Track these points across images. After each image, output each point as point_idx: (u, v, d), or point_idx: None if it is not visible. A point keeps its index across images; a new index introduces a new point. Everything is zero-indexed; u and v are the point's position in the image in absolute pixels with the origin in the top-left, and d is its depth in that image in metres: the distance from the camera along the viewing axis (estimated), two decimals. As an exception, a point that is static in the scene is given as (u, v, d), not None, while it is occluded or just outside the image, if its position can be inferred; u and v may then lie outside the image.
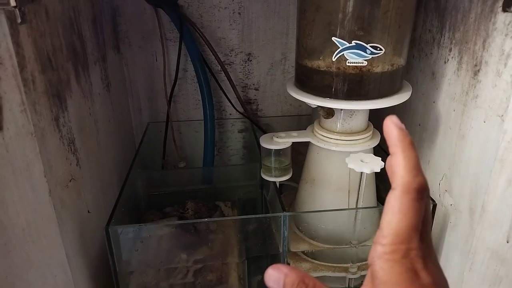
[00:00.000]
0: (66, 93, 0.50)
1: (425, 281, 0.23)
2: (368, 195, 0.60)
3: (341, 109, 0.55)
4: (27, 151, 0.38)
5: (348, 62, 0.49)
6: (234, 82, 0.83)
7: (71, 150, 0.50)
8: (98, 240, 0.57)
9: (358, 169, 0.51)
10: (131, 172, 0.65)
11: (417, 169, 0.25)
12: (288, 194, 0.72)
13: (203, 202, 0.72)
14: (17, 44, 0.37)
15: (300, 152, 0.67)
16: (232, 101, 0.85)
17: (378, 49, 0.48)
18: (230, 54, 0.84)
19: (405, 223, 0.24)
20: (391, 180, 0.26)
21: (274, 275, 0.28)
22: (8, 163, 0.35)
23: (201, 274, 0.57)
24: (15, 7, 0.35)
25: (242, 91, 0.87)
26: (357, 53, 0.48)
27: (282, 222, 0.54)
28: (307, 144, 0.62)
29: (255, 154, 0.86)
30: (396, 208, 0.24)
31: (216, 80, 0.82)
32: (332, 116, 0.54)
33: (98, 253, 0.56)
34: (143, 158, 0.76)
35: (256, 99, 0.89)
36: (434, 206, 0.57)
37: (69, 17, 0.52)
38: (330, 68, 0.51)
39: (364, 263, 0.60)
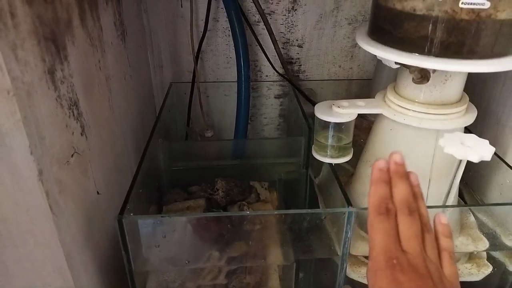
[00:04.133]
0: (66, 38, 0.37)
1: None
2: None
3: (434, 70, 0.40)
4: (3, 118, 0.26)
5: (462, 3, 0.34)
6: (274, 36, 0.68)
7: (73, 114, 0.37)
8: (110, 227, 0.46)
9: (460, 155, 0.37)
10: (150, 142, 0.53)
11: (383, 199, 0.30)
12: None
13: (236, 181, 0.60)
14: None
15: (354, 125, 0.52)
16: (270, 59, 0.70)
17: (511, -17, 0.33)
18: (271, 2, 0.68)
19: (378, 240, 0.29)
20: None
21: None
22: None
23: (236, 276, 0.46)
24: None
25: (283, 48, 0.72)
26: (479, -12, 0.33)
27: (346, 220, 0.41)
28: (363, 116, 0.48)
29: (294, 125, 0.72)
30: (370, 228, 0.30)
31: (254, 33, 0.68)
32: (428, 80, 0.39)
33: (109, 244, 0.45)
34: (164, 125, 0.63)
35: (298, 59, 0.74)
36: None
37: None
38: (432, 11, 0.36)
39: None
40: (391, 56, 0.39)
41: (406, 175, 0.32)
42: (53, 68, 0.34)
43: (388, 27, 0.40)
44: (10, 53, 0.27)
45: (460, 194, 0.56)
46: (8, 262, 0.27)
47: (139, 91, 0.64)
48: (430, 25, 0.36)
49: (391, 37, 0.40)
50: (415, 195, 0.32)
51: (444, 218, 0.32)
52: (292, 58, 0.74)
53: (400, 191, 0.31)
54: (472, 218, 0.52)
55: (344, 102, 0.47)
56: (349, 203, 0.41)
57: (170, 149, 0.61)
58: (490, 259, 0.50)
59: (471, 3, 0.34)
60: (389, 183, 0.31)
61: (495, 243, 0.48)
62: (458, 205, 0.50)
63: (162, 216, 0.40)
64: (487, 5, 0.34)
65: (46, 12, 0.33)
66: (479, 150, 0.37)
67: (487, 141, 0.38)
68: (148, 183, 0.52)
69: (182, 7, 0.67)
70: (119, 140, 0.52)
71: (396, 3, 0.38)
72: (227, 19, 0.65)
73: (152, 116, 0.73)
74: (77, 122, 0.38)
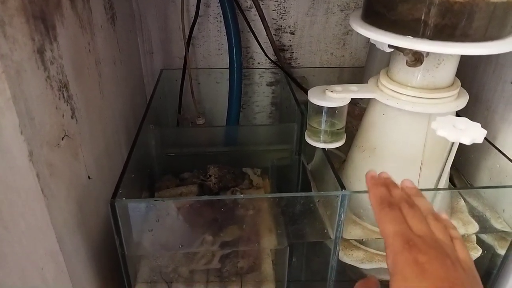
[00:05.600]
0: (55, 18, 0.36)
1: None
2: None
3: (427, 54, 0.40)
4: (-10, 95, 0.25)
5: (456, -15, 0.34)
6: (267, 22, 0.67)
7: (63, 96, 0.37)
8: (102, 212, 0.45)
9: (453, 138, 0.37)
10: (141, 128, 0.52)
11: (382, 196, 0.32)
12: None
13: (228, 167, 0.60)
14: None
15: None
16: (262, 46, 0.70)
17: (506, -36, 0.33)
18: (263, -13, 0.68)
19: (385, 227, 0.30)
20: None
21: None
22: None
23: (229, 260, 0.46)
24: None
25: (275, 35, 0.72)
26: (474, -30, 0.33)
27: (339, 203, 0.41)
28: (355, 103, 0.48)
29: (286, 112, 0.72)
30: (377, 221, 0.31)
31: (246, 19, 0.67)
32: (421, 63, 0.39)
33: (101, 229, 0.45)
34: (155, 112, 0.62)
35: (290, 46, 0.74)
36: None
37: None
38: (426, -7, 0.36)
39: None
40: (385, 39, 0.39)
41: (396, 184, 0.34)
42: (43, 48, 0.33)
43: (382, 10, 0.40)
44: (-1, 30, 0.26)
45: (451, 179, 0.57)
46: (1, 245, 0.27)
47: (129, 77, 0.63)
48: (424, 7, 0.36)
49: (385, 20, 0.40)
50: (415, 194, 0.33)
51: (444, 215, 0.32)
52: (284, 45, 0.73)
53: (397, 191, 0.33)
54: (462, 202, 0.53)
55: (338, 87, 0.47)
56: (342, 187, 0.41)
57: (162, 135, 0.60)
58: (480, 242, 0.50)
59: (465, -15, 0.35)
60: (385, 185, 0.33)
61: (484, 226, 0.49)
62: (449, 188, 0.51)
63: (155, 200, 0.39)
64: (481, -13, 0.35)
65: (35, -10, 0.32)
66: (471, 133, 0.37)
67: (479, 124, 0.38)
68: (140, 168, 0.51)
69: (172, -9, 0.66)
70: (110, 126, 0.51)
71: (391, -15, 0.38)
72: (219, 5, 0.64)
73: (143, 103, 0.72)
74: (67, 105, 0.38)
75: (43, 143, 0.32)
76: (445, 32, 0.37)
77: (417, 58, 0.38)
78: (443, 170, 0.41)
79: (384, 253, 0.28)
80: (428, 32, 0.37)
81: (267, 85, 0.77)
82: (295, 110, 0.59)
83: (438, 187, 0.42)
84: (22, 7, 0.30)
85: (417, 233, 0.29)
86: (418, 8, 0.37)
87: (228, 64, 0.68)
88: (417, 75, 0.43)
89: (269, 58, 0.71)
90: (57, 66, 0.35)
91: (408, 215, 0.30)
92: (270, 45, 0.70)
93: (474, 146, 0.52)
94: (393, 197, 0.32)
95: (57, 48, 0.36)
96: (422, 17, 0.37)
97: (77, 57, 0.40)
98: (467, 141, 0.37)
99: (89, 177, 0.43)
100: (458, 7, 0.36)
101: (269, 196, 0.47)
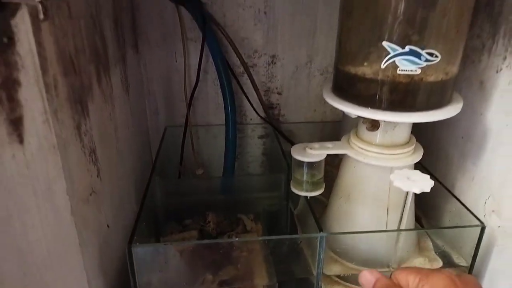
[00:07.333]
0: (88, 98, 0.45)
1: None
2: (408, 215, 0.55)
3: (384, 120, 0.50)
4: (50, 167, 0.34)
5: (399, 70, 0.45)
6: (257, 85, 0.78)
7: (92, 160, 0.45)
8: (116, 257, 0.52)
9: (406, 187, 0.46)
10: (150, 181, 0.61)
11: None
12: (314, 208, 0.68)
13: (225, 214, 0.68)
14: (39, 43, 0.33)
15: (327, 162, 0.62)
16: (253, 105, 0.80)
17: (434, 56, 0.44)
18: (253, 56, 0.79)
19: None
20: None
21: (367, 275, 0.37)
22: (29, 183, 0.31)
23: (227, 296, 0.53)
24: (40, 1, 0.31)
25: (265, 95, 0.83)
26: (411, 60, 0.44)
27: (318, 243, 0.49)
28: (336, 155, 0.57)
29: (275, 162, 0.81)
30: None
31: (239, 83, 0.78)
32: (378, 128, 0.49)
33: (116, 271, 0.52)
34: (160, 163, 0.71)
35: (278, 104, 0.84)
36: (482, 229, 0.52)
37: (91, 15, 0.48)
38: (378, 75, 0.46)
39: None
40: (348, 110, 0.49)
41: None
42: (80, 124, 0.42)
43: (346, 86, 0.50)
44: (54, 117, 0.36)
45: (419, 221, 0.65)
46: (50, 282, 0.34)
47: (138, 135, 0.72)
48: (376, 86, 0.46)
49: (348, 94, 0.50)
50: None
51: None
52: (273, 104, 0.84)
53: None
54: (429, 241, 0.61)
55: (316, 144, 0.56)
56: (321, 229, 0.50)
57: (166, 186, 0.68)
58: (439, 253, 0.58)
59: (406, 70, 0.45)
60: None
61: (447, 262, 0.57)
62: (412, 229, 0.59)
63: (164, 244, 0.47)
64: (418, 71, 0.45)
65: (75, 81, 0.42)
66: (420, 183, 0.46)
67: (428, 176, 0.48)
68: (147, 217, 0.59)
69: (176, 61, 0.77)
70: (123, 180, 0.60)
71: (351, 68, 0.48)
72: (216, 71, 0.75)
73: (148, 156, 0.81)
74: (94, 166, 0.46)
75: (78, 200, 0.40)
76: (395, 104, 0.47)
77: (374, 125, 0.48)
78: (402, 213, 0.49)
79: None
80: (382, 105, 0.47)
81: (258, 138, 0.87)
82: (282, 162, 0.68)
83: (401, 227, 0.50)
84: (68, 97, 0.39)
85: None
86: (372, 87, 0.47)
87: (224, 121, 0.77)
88: (378, 135, 0.52)
89: (259, 115, 0.81)
90: (88, 136, 0.45)
91: None
92: (260, 104, 0.81)
93: (438, 192, 0.61)
94: None
95: (89, 122, 0.45)
96: (376, 93, 0.47)
97: (102, 126, 0.50)
98: (417, 191, 0.46)
99: (108, 226, 0.51)
100: (403, 86, 0.46)
101: (260, 238, 0.55)
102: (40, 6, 0.33)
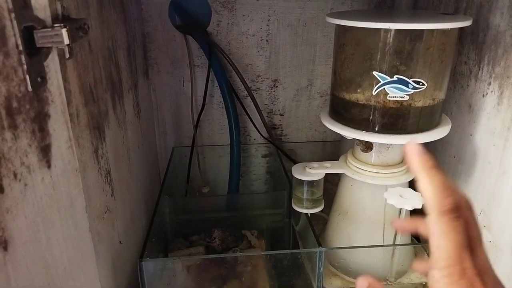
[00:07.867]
0: (105, 124, 0.50)
1: None
2: (403, 230, 0.58)
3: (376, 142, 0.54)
4: (72, 188, 0.38)
5: (389, 97, 0.49)
6: (260, 107, 0.82)
7: (107, 181, 0.49)
8: (127, 271, 0.56)
9: (399, 205, 0.49)
10: (160, 199, 0.64)
11: (445, 190, 0.26)
12: (316, 224, 0.71)
13: (230, 230, 0.71)
14: (65, 79, 0.37)
15: (327, 180, 0.65)
16: (257, 126, 0.84)
17: (421, 84, 0.48)
18: (256, 80, 0.84)
19: (451, 245, 0.24)
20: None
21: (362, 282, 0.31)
22: (55, 202, 0.35)
23: (232, 309, 0.56)
24: (68, 45, 0.35)
25: (267, 117, 0.87)
26: (399, 87, 0.48)
27: (317, 258, 0.52)
28: (336, 173, 0.61)
29: (279, 180, 0.85)
30: (438, 232, 0.25)
31: (242, 106, 0.82)
32: (371, 150, 0.53)
33: (128, 283, 0.55)
34: (168, 182, 0.75)
35: (281, 125, 0.88)
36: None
37: (108, 47, 0.53)
38: (370, 101, 0.50)
39: (399, 300, 0.58)
40: (345, 132, 0.53)
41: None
42: (97, 148, 0.46)
43: (341, 111, 0.54)
44: (77, 143, 0.40)
45: (417, 237, 0.68)
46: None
47: (148, 156, 0.76)
48: (369, 111, 0.50)
49: (344, 118, 0.54)
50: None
51: None
52: (275, 125, 0.88)
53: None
54: (425, 255, 0.63)
55: (315, 164, 0.60)
56: (320, 244, 0.53)
57: (174, 204, 0.72)
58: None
59: (396, 97, 0.49)
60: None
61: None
62: (405, 244, 0.61)
63: (173, 259, 0.50)
64: (407, 97, 0.49)
65: (94, 108, 0.46)
66: (412, 201, 0.49)
67: (419, 194, 0.51)
68: (157, 234, 0.63)
69: (183, 86, 0.82)
70: (134, 198, 0.63)
71: (345, 95, 0.52)
72: (221, 95, 0.80)
73: (157, 175, 0.85)
74: (109, 186, 0.50)
75: (95, 217, 0.44)
76: (386, 127, 0.51)
77: (367, 146, 0.52)
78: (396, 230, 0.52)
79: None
80: (374, 128, 0.51)
81: (262, 157, 0.91)
82: (285, 180, 0.71)
83: (396, 242, 0.53)
84: (87, 123, 0.44)
85: None
86: (365, 111, 0.51)
87: (229, 141, 0.81)
88: (373, 156, 0.56)
89: (262, 136, 0.85)
90: (105, 159, 0.49)
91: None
92: (263, 125, 0.85)
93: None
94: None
95: (105, 146, 0.49)
96: (369, 117, 0.51)
97: (116, 149, 0.54)
98: (408, 207, 0.49)
99: (120, 242, 0.54)
100: (393, 111, 0.50)
101: (262, 253, 0.58)
102: (67, 47, 0.37)
